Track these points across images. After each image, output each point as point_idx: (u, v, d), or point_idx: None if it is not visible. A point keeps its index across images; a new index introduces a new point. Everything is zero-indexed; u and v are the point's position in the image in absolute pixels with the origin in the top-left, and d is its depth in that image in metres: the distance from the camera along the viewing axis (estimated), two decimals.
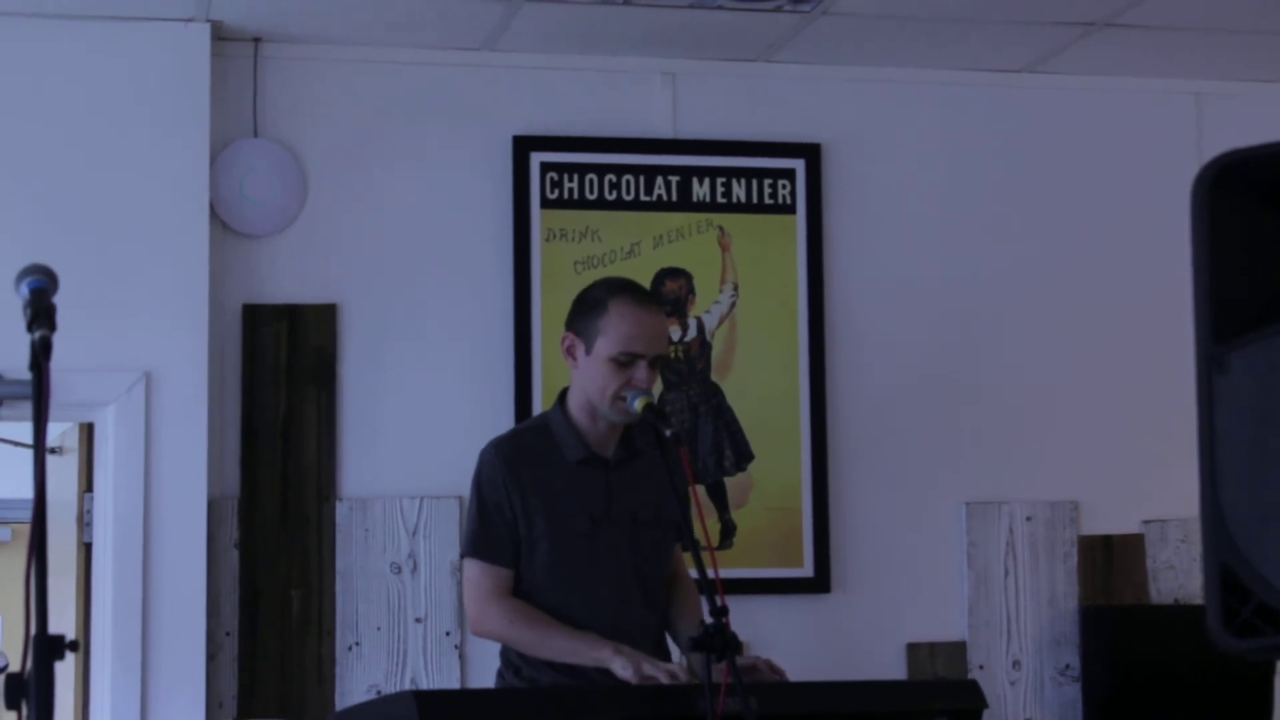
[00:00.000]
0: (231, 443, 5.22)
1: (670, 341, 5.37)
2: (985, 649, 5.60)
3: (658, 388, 4.81)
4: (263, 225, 5.31)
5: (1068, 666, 5.63)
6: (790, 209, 5.60)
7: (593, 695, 3.79)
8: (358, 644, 5.22)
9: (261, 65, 5.34)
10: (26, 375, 2.50)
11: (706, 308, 5.54)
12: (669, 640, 4.22)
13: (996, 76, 5.76)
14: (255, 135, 5.32)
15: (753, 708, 3.37)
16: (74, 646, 2.42)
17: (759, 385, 5.53)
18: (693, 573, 4.01)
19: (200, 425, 5.08)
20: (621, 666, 3.79)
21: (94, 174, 5.10)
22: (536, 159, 5.45)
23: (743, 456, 5.49)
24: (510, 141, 5.45)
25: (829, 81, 5.67)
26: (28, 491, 2.51)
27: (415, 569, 5.27)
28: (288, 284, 5.31)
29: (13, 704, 2.38)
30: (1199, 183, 2.20)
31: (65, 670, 5.83)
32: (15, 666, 2.39)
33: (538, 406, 5.27)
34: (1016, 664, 5.61)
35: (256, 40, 5.31)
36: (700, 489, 5.38)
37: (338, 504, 5.26)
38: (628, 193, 5.51)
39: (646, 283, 5.33)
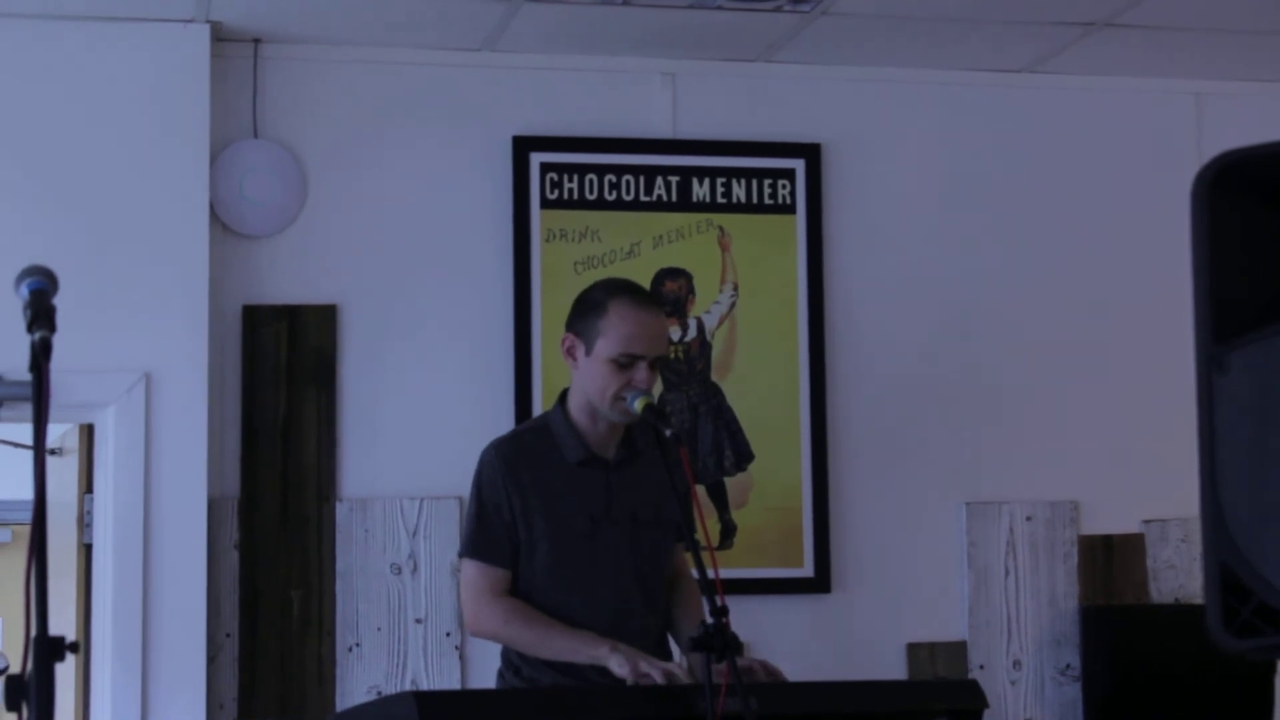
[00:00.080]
0: (231, 443, 5.22)
1: (670, 342, 5.37)
2: (985, 649, 5.60)
3: (658, 388, 4.80)
4: (262, 226, 5.31)
5: (1068, 666, 5.63)
6: (790, 209, 5.60)
7: (593, 695, 3.79)
8: (358, 645, 5.22)
9: (261, 66, 5.34)
10: (26, 376, 2.50)
11: (706, 308, 5.54)
12: (670, 640, 4.22)
13: (996, 76, 5.76)
14: (255, 136, 5.32)
15: (753, 708, 3.37)
16: (74, 648, 2.42)
17: (759, 385, 5.53)
18: (693, 573, 4.01)
19: (200, 426, 5.08)
20: (618, 664, 3.79)
21: (94, 175, 5.10)
22: (536, 159, 5.45)
23: (743, 456, 5.50)
24: (510, 142, 5.45)
25: (829, 81, 5.67)
26: (28, 493, 2.51)
27: (415, 570, 5.27)
28: (287, 285, 5.31)
29: (13, 705, 2.38)
30: (1199, 182, 2.20)
31: (65, 672, 5.83)
32: (16, 668, 2.39)
33: (538, 407, 5.27)
34: (1017, 664, 5.61)
35: (256, 41, 5.31)
36: (700, 489, 5.38)
37: (338, 504, 5.26)
38: (627, 193, 5.51)
39: (646, 283, 5.33)
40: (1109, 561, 5.70)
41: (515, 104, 5.49)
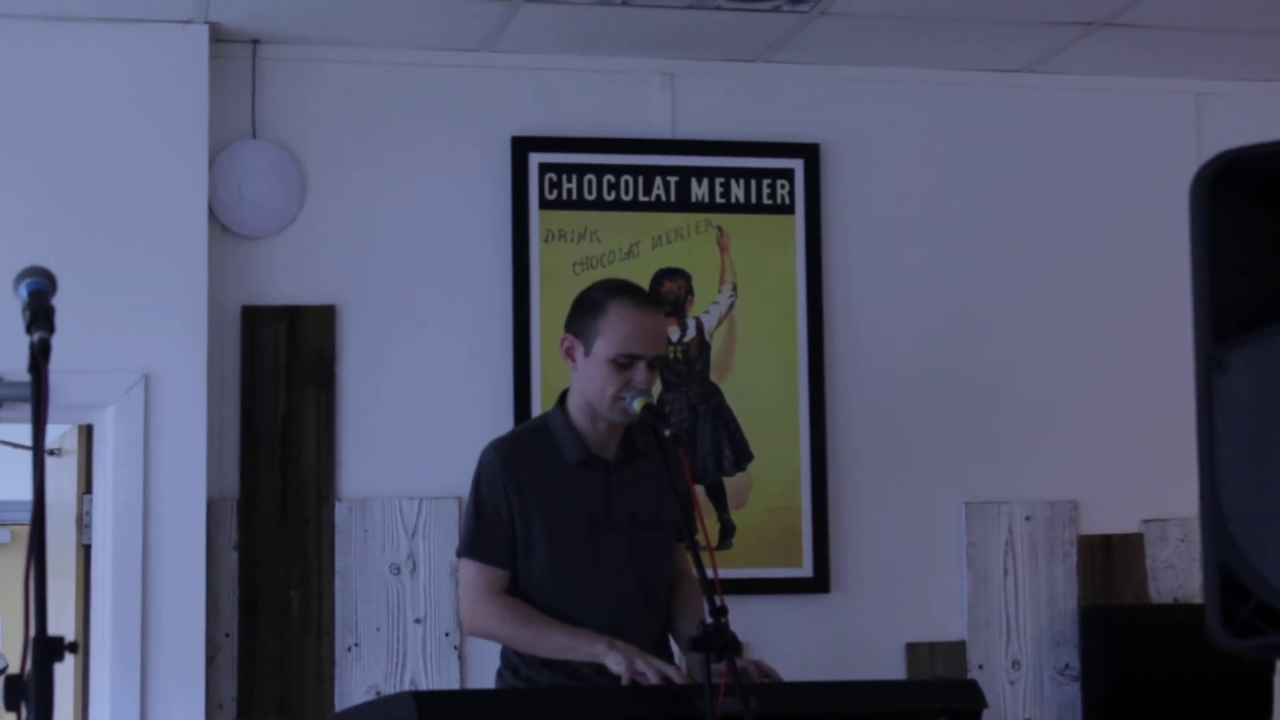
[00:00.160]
0: (231, 444, 5.22)
1: (669, 342, 5.37)
2: (985, 649, 5.60)
3: (657, 388, 4.81)
4: (261, 226, 5.31)
5: (1067, 666, 5.63)
6: (789, 209, 5.60)
7: (592, 695, 3.79)
8: (357, 645, 5.22)
9: (260, 67, 5.34)
10: (25, 377, 2.50)
11: (705, 308, 5.54)
12: (671, 640, 4.22)
13: (996, 76, 5.76)
14: (254, 136, 5.31)
15: (752, 708, 3.37)
16: (73, 648, 2.42)
17: (758, 385, 5.53)
18: (694, 572, 4.01)
19: (199, 426, 5.08)
20: (615, 661, 3.80)
21: (93, 176, 5.10)
22: (535, 159, 5.45)
23: (742, 456, 5.49)
24: (509, 142, 5.45)
25: (828, 81, 5.67)
26: (27, 493, 2.51)
27: (414, 570, 5.27)
28: (287, 285, 5.31)
29: (12, 705, 2.37)
30: (1198, 182, 2.20)
31: (65, 672, 5.85)
32: (15, 668, 2.38)
33: (537, 407, 5.27)
34: (1016, 664, 5.61)
35: (255, 42, 5.31)
36: (700, 489, 5.38)
37: (337, 504, 5.26)
38: (626, 193, 5.51)
39: (645, 283, 5.33)
40: (1108, 561, 5.70)
41: (514, 104, 5.49)
